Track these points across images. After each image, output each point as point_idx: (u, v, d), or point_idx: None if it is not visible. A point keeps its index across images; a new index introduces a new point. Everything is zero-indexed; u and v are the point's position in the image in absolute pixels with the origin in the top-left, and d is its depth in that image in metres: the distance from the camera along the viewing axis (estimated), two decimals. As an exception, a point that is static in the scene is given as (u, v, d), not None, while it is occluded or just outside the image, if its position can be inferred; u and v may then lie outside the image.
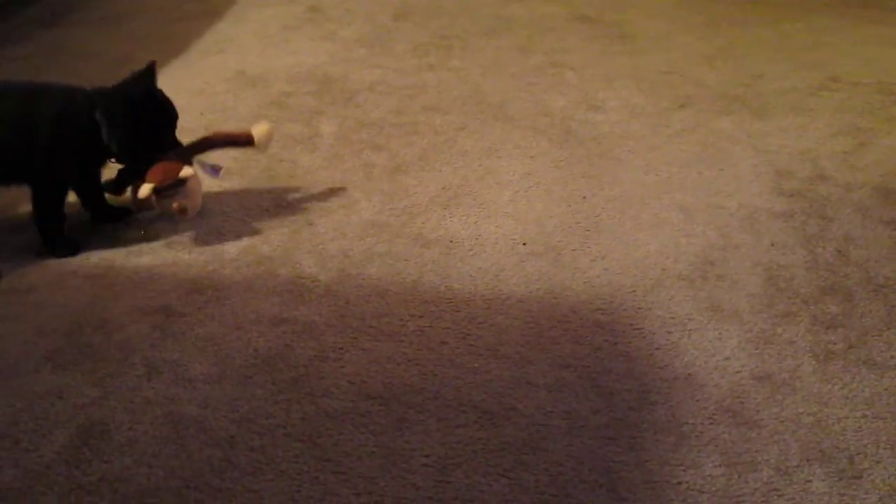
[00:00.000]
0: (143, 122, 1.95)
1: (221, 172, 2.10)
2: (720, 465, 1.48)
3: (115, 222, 2.10)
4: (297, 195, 2.20)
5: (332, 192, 2.21)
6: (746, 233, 2.06)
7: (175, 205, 2.01)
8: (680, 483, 1.45)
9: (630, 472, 1.47)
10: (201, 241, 2.02)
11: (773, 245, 2.02)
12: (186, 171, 2.00)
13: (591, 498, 1.42)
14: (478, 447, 1.50)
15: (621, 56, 2.99)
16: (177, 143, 2.03)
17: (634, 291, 1.88)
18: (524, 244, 2.02)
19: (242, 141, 2.12)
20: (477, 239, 2.04)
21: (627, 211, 2.14)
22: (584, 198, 2.19)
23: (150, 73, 1.96)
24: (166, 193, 1.99)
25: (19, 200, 2.12)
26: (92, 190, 2.08)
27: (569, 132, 2.50)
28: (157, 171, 1.98)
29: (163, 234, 2.05)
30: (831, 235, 2.05)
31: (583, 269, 1.95)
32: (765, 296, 1.87)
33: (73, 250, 1.98)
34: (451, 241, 2.03)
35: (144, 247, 2.00)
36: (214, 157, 2.13)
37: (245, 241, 2.02)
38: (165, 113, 1.99)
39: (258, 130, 2.12)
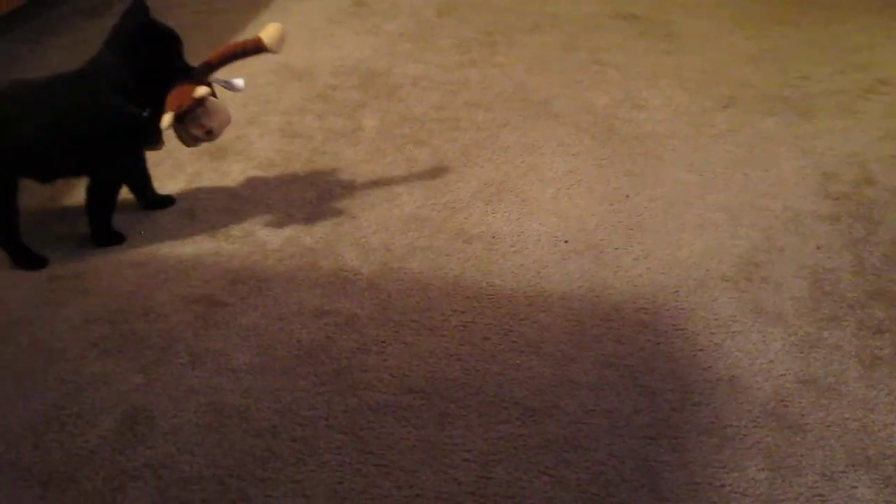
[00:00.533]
0: (147, 51, 1.91)
1: (242, 83, 2.02)
2: (764, 469, 1.47)
3: (163, 208, 2.11)
4: (339, 188, 2.20)
5: (374, 186, 2.21)
6: (791, 235, 2.04)
7: (198, 129, 1.93)
8: (723, 485, 1.44)
9: (672, 473, 1.46)
10: (245, 231, 2.03)
11: (818, 248, 2.00)
12: (200, 91, 1.89)
13: (633, 497, 1.42)
14: (519, 444, 1.50)
15: (665, 55, 2.97)
16: (188, 68, 1.96)
17: (677, 292, 1.87)
18: (566, 242, 2.01)
19: (252, 48, 1.98)
20: (519, 235, 2.03)
21: (671, 210, 2.13)
22: (627, 196, 2.18)
23: (139, 6, 1.94)
24: (190, 119, 1.91)
25: (63, 191, 2.14)
26: (142, 175, 2.10)
27: (612, 130, 2.48)
28: (173, 98, 1.89)
29: (208, 226, 2.06)
30: (878, 239, 2.03)
31: (625, 267, 1.94)
32: (810, 299, 1.85)
33: (120, 240, 2.00)
34: (493, 237, 2.03)
35: (188, 237, 2.01)
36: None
37: (288, 233, 2.03)
38: (167, 38, 1.95)
39: (268, 32, 1.98)
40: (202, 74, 1.97)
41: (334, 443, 1.50)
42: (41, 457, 1.47)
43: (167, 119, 1.87)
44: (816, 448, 1.51)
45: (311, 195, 2.17)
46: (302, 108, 2.58)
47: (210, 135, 1.96)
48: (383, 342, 1.72)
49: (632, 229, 2.06)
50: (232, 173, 2.26)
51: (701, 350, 1.72)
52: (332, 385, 1.62)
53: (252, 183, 2.20)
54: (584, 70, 2.85)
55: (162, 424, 1.53)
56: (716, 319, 1.79)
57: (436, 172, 2.27)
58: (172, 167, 2.27)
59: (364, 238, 2.02)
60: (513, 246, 2.00)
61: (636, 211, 2.12)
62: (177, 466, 1.46)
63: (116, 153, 1.97)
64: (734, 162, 2.33)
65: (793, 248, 2.00)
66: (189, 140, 1.97)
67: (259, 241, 2.00)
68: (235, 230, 2.04)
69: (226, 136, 2.37)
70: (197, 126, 1.93)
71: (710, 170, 2.29)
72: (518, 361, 1.68)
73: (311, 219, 2.08)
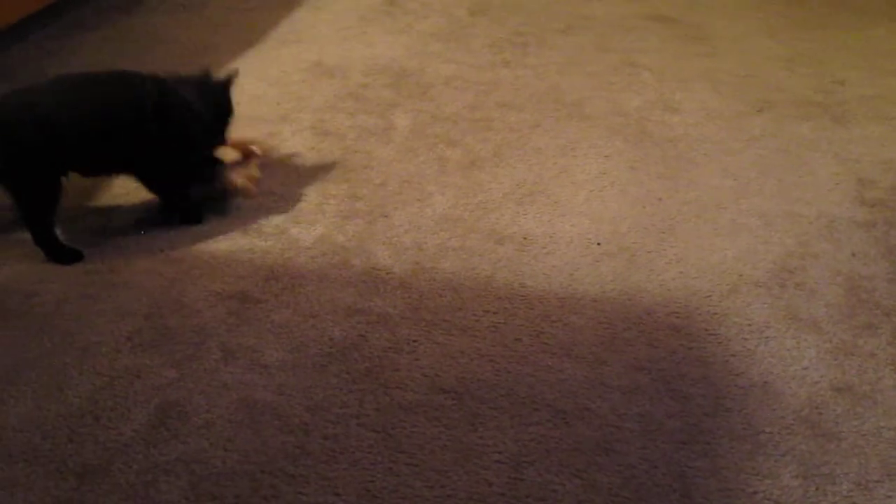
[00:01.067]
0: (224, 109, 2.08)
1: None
2: (797, 477, 1.46)
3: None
4: (371, 186, 2.21)
5: (406, 185, 2.21)
6: (826, 242, 2.02)
7: (252, 176, 2.14)
8: (755, 492, 1.43)
9: (705, 479, 1.45)
10: (278, 228, 2.04)
11: (853, 255, 1.98)
12: (264, 146, 2.22)
13: (664, 502, 1.41)
14: (551, 446, 1.50)
15: (699, 58, 2.95)
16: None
17: (710, 296, 1.86)
18: (598, 244, 2.01)
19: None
20: (551, 237, 2.03)
21: (704, 215, 2.11)
22: (660, 199, 2.17)
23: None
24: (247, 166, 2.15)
25: (98, 185, 2.16)
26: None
27: (644, 133, 2.47)
28: (237, 144, 2.16)
29: (241, 223, 2.07)
30: (915, 247, 2.01)
31: (658, 271, 1.93)
32: (845, 306, 1.83)
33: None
34: (524, 239, 2.02)
35: (221, 233, 2.02)
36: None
37: (320, 231, 2.04)
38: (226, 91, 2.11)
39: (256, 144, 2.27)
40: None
41: (366, 441, 1.50)
42: (75, 449, 1.48)
43: (230, 153, 2.14)
44: (851, 456, 1.49)
45: (344, 193, 2.18)
46: (334, 105, 2.59)
47: (255, 185, 2.15)
48: (415, 341, 1.72)
49: (664, 233, 2.05)
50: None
51: (734, 355, 1.71)
52: (364, 383, 1.62)
53: (284, 180, 2.21)
54: (617, 72, 2.84)
55: (195, 419, 1.54)
56: (749, 325, 1.78)
57: (468, 173, 2.27)
58: (206, 163, 2.28)
59: (396, 237, 2.02)
60: (545, 248, 1.99)
61: (669, 214, 2.11)
62: (209, 461, 1.46)
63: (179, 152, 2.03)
64: (768, 167, 2.31)
65: (827, 255, 1.98)
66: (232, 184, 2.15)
67: (292, 238, 2.01)
68: (268, 227, 2.04)
69: (258, 133, 2.40)
70: (239, 175, 2.12)
71: (743, 174, 2.28)
72: (550, 363, 1.67)
73: (343, 217, 2.08)
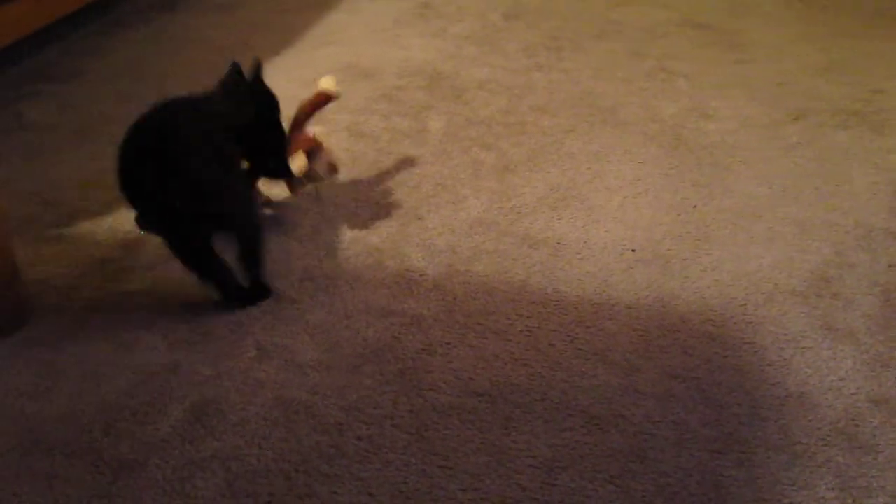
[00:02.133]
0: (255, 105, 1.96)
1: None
2: (834, 489, 1.44)
3: None
4: (405, 188, 2.21)
5: (440, 188, 2.22)
6: (863, 252, 2.01)
7: (322, 167, 2.09)
8: (791, 503, 1.42)
9: (740, 489, 1.44)
10: (312, 229, 2.05)
11: (891, 266, 1.96)
12: (319, 135, 2.11)
13: (698, 511, 1.40)
14: (584, 451, 1.50)
15: (734, 65, 2.93)
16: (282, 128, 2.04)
17: (745, 305, 1.84)
18: (633, 251, 2.00)
19: (324, 101, 2.16)
20: (585, 242, 2.02)
21: (739, 222, 2.10)
22: (695, 207, 2.16)
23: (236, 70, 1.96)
24: (316, 159, 2.07)
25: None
26: None
27: (679, 139, 2.46)
28: (299, 144, 2.06)
29: (276, 223, 2.08)
30: (953, 259, 1.99)
31: (693, 279, 1.92)
32: (882, 317, 1.82)
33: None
34: (558, 244, 2.02)
35: (256, 232, 2.03)
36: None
37: (355, 232, 2.04)
38: (270, 96, 2.00)
39: (326, 83, 2.16)
40: (295, 130, 2.10)
41: (399, 442, 1.51)
42: (111, 443, 1.50)
43: (300, 160, 2.02)
44: (888, 469, 1.48)
45: (378, 195, 2.18)
46: (368, 107, 2.60)
47: (334, 171, 2.11)
48: (448, 344, 1.72)
49: (699, 240, 2.04)
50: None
51: (769, 365, 1.70)
52: (398, 385, 1.63)
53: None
54: (652, 78, 2.83)
55: (231, 417, 1.55)
56: (785, 334, 1.77)
57: (502, 176, 2.27)
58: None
59: (430, 240, 2.02)
60: (578, 253, 1.99)
61: (704, 222, 2.10)
62: (245, 459, 1.47)
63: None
64: (805, 175, 2.30)
65: (864, 265, 1.97)
66: (301, 185, 2.13)
67: (327, 239, 2.02)
68: (303, 228, 2.05)
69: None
70: (322, 164, 2.08)
71: (779, 182, 2.26)
72: (583, 369, 1.67)
73: (377, 218, 2.09)
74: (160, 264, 1.92)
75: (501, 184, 2.24)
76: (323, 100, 2.14)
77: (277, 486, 1.42)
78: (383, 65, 2.87)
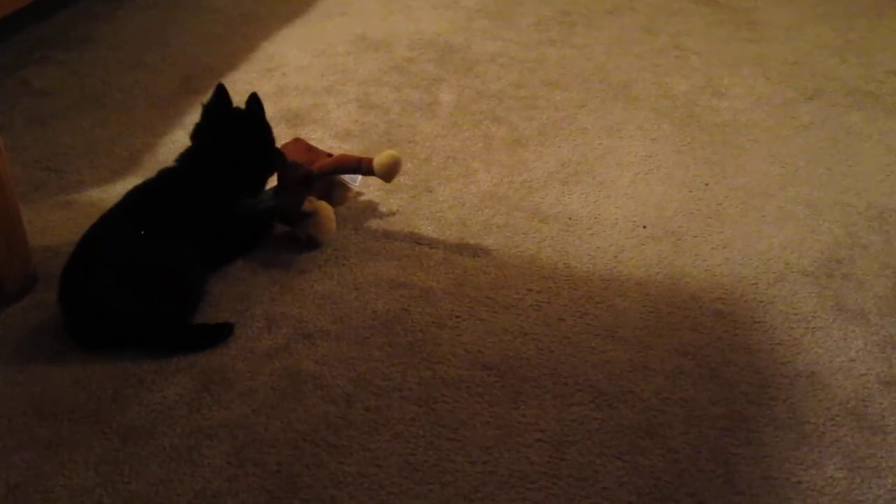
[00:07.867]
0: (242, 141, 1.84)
1: (359, 179, 1.98)
2: (842, 468, 1.44)
3: None
4: (416, 161, 2.20)
5: (450, 161, 2.20)
6: (875, 233, 1.99)
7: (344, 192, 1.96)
8: (799, 482, 1.42)
9: (748, 466, 1.44)
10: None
11: (903, 247, 1.95)
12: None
13: (707, 487, 1.40)
14: (593, 427, 1.49)
15: (748, 43, 2.91)
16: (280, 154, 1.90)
17: (756, 284, 1.83)
18: (644, 227, 1.99)
19: (366, 168, 1.86)
20: (596, 218, 2.01)
21: (751, 201, 2.09)
22: (707, 185, 2.15)
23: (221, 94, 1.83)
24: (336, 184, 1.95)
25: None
26: None
27: (691, 116, 2.44)
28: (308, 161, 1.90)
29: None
30: (966, 242, 1.97)
31: (703, 256, 1.91)
32: (893, 299, 1.81)
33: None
34: (569, 219, 2.01)
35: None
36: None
37: (365, 203, 2.03)
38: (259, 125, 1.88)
39: (380, 159, 1.84)
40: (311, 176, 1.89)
41: (408, 414, 1.50)
42: (119, 410, 1.49)
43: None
44: (897, 450, 1.48)
45: (388, 167, 2.17)
46: (378, 79, 2.58)
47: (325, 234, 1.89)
48: (458, 317, 1.72)
49: (711, 218, 2.03)
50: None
51: (779, 344, 1.69)
52: (407, 357, 1.62)
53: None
54: (664, 54, 2.80)
55: (238, 386, 1.55)
56: (795, 314, 1.76)
57: (512, 150, 2.26)
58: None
59: (440, 212, 2.01)
60: (589, 228, 1.98)
61: (716, 200, 2.09)
62: (252, 428, 1.47)
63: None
64: (817, 155, 2.28)
65: (876, 246, 1.95)
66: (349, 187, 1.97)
67: (336, 209, 2.00)
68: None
69: (302, 104, 2.40)
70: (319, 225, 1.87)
71: (792, 162, 2.25)
72: (593, 345, 1.66)
73: (387, 190, 2.07)
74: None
75: (512, 158, 2.23)
76: (366, 166, 1.85)
77: (285, 456, 1.42)
78: (394, 36, 2.85)
